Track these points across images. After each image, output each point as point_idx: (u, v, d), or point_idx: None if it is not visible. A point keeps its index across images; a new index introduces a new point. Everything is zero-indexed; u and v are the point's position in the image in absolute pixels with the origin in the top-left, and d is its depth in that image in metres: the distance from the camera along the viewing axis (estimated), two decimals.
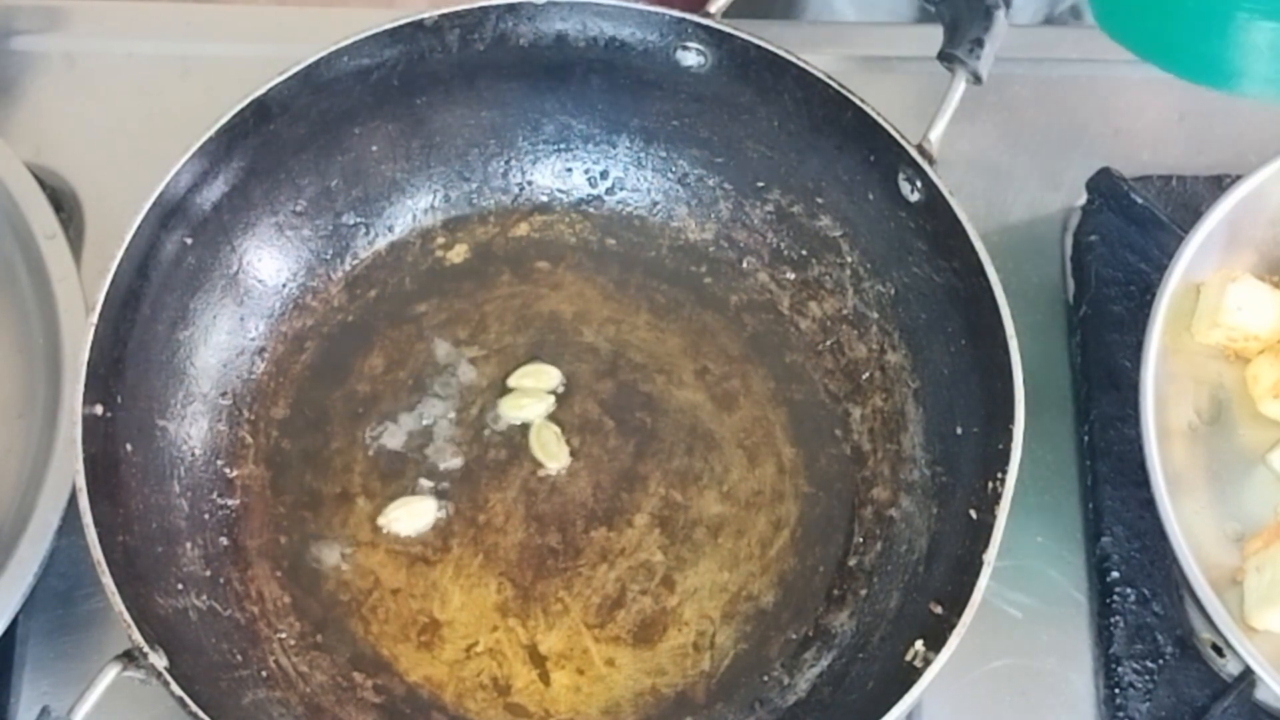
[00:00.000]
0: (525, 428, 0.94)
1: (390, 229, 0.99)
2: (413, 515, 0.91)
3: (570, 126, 0.99)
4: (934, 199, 0.87)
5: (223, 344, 0.94)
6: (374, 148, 0.97)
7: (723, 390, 0.95)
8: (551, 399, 0.94)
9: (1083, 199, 1.01)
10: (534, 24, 0.93)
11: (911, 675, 0.78)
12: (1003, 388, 0.83)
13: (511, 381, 0.95)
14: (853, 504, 0.92)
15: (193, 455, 0.91)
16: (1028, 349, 0.84)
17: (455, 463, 0.93)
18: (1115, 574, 0.91)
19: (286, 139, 0.93)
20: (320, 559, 0.90)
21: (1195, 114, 1.06)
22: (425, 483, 0.92)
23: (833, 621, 0.89)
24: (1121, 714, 0.88)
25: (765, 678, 0.88)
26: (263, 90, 0.89)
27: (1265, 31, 0.85)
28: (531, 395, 0.94)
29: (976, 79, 0.89)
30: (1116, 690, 0.88)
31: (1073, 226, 1.02)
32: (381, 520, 0.90)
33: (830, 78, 0.90)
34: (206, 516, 0.90)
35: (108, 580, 0.77)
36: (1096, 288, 0.98)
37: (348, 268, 0.98)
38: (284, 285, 0.96)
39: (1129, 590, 0.90)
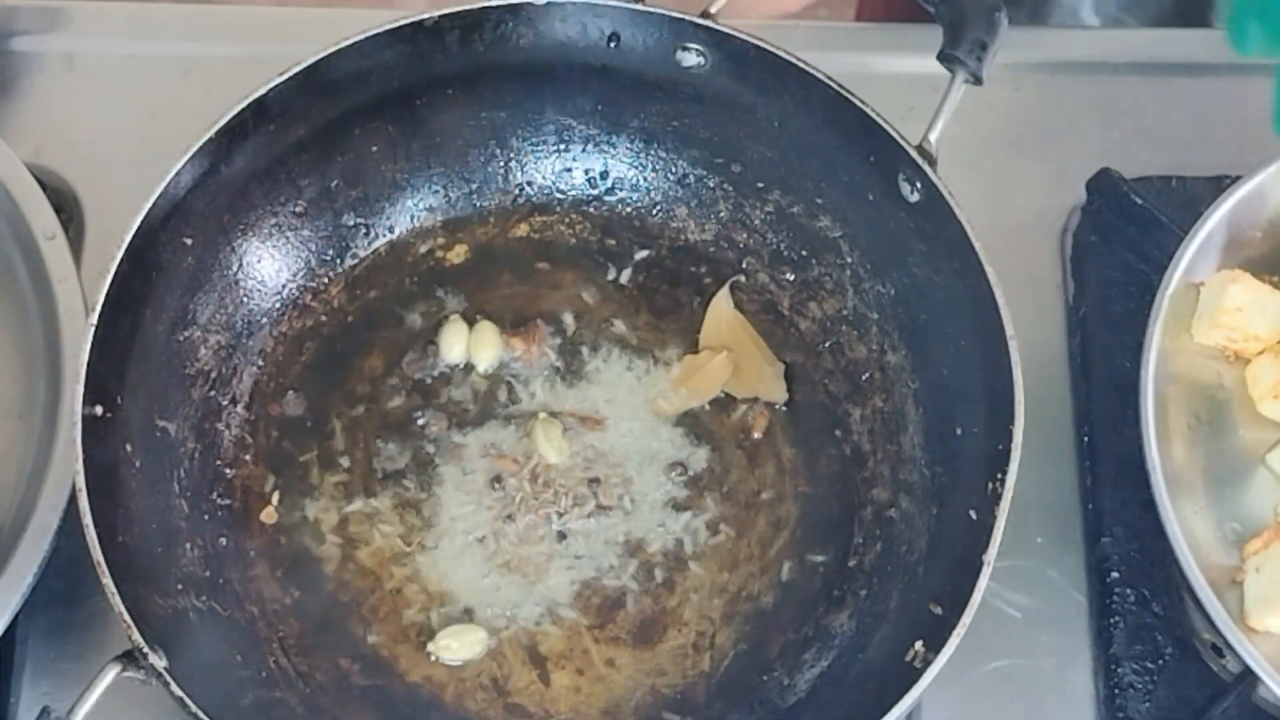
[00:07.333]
0: (528, 425, 0.94)
1: (390, 229, 0.99)
2: (464, 645, 0.88)
3: (570, 127, 0.99)
4: (934, 199, 0.87)
5: (223, 344, 0.94)
6: (374, 148, 0.97)
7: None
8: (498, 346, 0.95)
9: (1083, 199, 1.01)
10: (534, 25, 0.93)
11: (911, 675, 0.78)
12: (1003, 388, 0.83)
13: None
14: (853, 504, 0.92)
15: (193, 455, 0.91)
16: (1028, 349, 0.84)
17: (455, 461, 0.93)
18: (1115, 574, 0.91)
19: (286, 139, 0.93)
20: (321, 559, 0.90)
21: (1195, 114, 1.06)
22: (481, 617, 0.89)
23: (833, 621, 0.89)
24: (1121, 714, 0.88)
25: (765, 678, 0.88)
26: (263, 90, 0.89)
27: None
28: (485, 343, 0.95)
29: (976, 80, 0.89)
30: (1116, 690, 0.88)
31: (1073, 226, 1.02)
32: (432, 648, 0.88)
33: (830, 78, 0.90)
34: (206, 517, 0.90)
35: (108, 580, 0.77)
36: (1096, 288, 0.98)
37: (348, 268, 0.98)
38: (284, 285, 0.96)
39: (1129, 590, 0.90)
